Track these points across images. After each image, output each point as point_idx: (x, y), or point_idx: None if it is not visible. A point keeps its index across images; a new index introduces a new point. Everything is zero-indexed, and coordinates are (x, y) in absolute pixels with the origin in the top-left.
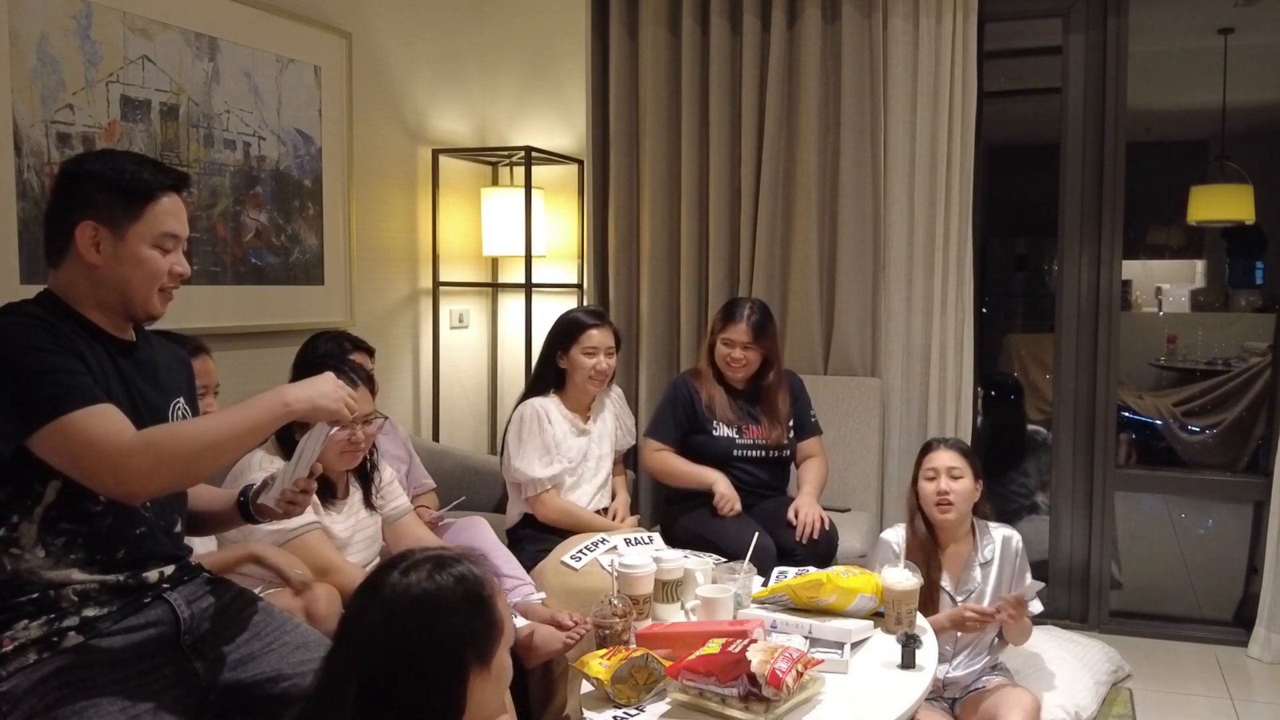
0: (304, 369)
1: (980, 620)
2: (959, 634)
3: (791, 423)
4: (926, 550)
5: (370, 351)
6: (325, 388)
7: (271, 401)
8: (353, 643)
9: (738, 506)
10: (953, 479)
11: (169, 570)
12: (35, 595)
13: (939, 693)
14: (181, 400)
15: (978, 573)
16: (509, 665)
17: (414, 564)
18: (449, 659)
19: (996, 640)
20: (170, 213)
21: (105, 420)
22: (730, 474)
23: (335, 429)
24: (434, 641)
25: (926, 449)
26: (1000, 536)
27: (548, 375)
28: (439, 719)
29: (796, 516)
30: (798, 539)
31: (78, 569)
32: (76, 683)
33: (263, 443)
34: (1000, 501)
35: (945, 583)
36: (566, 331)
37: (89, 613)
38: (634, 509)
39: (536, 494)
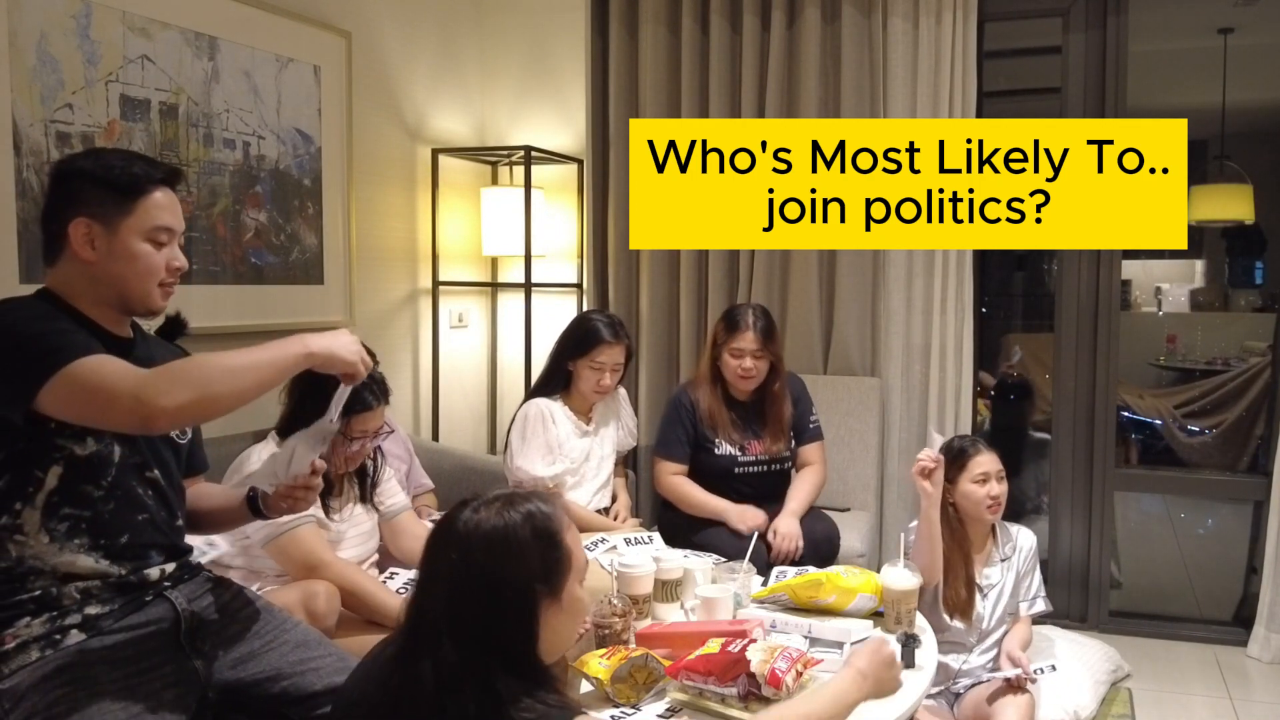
0: (317, 375)
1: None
2: (982, 626)
3: (792, 431)
4: (964, 547)
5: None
6: (344, 339)
7: (292, 343)
8: (437, 580)
9: (762, 515)
10: (998, 481)
11: (170, 568)
12: (38, 593)
13: (952, 680)
14: None
15: (998, 569)
16: (581, 597)
17: (485, 503)
18: (520, 591)
19: (1007, 629)
20: (162, 206)
21: (110, 363)
22: (732, 488)
23: (336, 425)
24: (505, 574)
25: (964, 451)
26: (1017, 534)
27: (556, 377)
28: (516, 646)
29: (775, 535)
30: (770, 560)
31: (82, 554)
32: (78, 681)
33: (279, 390)
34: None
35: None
36: (582, 341)
37: (91, 610)
38: (634, 511)
39: None
